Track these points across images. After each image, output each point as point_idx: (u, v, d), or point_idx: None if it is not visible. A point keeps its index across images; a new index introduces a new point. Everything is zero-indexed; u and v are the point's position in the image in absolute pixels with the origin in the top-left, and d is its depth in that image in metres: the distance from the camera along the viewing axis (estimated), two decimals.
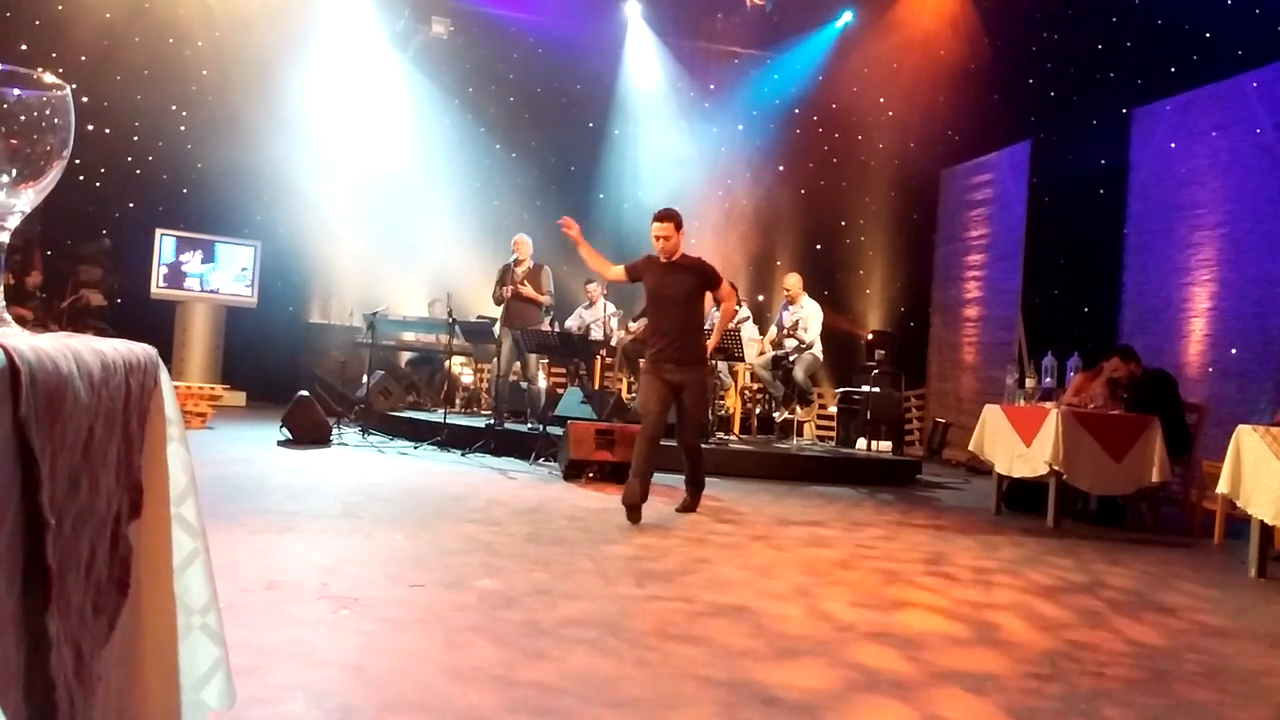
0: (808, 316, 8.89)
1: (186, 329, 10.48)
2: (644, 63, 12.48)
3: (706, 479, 5.60)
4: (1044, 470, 5.90)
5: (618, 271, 5.46)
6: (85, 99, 9.63)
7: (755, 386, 9.63)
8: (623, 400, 8.52)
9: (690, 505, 5.45)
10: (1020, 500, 6.57)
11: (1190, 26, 9.03)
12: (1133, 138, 9.16)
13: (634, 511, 4.95)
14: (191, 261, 10.44)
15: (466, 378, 10.50)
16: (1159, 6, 9.41)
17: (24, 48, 9.86)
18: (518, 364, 8.56)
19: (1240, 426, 4.92)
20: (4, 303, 0.81)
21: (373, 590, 3.11)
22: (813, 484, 7.48)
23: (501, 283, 8.37)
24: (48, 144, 0.79)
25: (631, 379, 9.30)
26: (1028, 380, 6.79)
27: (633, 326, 9.46)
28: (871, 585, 3.84)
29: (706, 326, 5.73)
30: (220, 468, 5.65)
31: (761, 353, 9.24)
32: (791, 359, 8.81)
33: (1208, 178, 8.27)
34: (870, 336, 11.21)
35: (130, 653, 0.92)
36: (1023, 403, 6.55)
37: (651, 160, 12.11)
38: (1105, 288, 9.30)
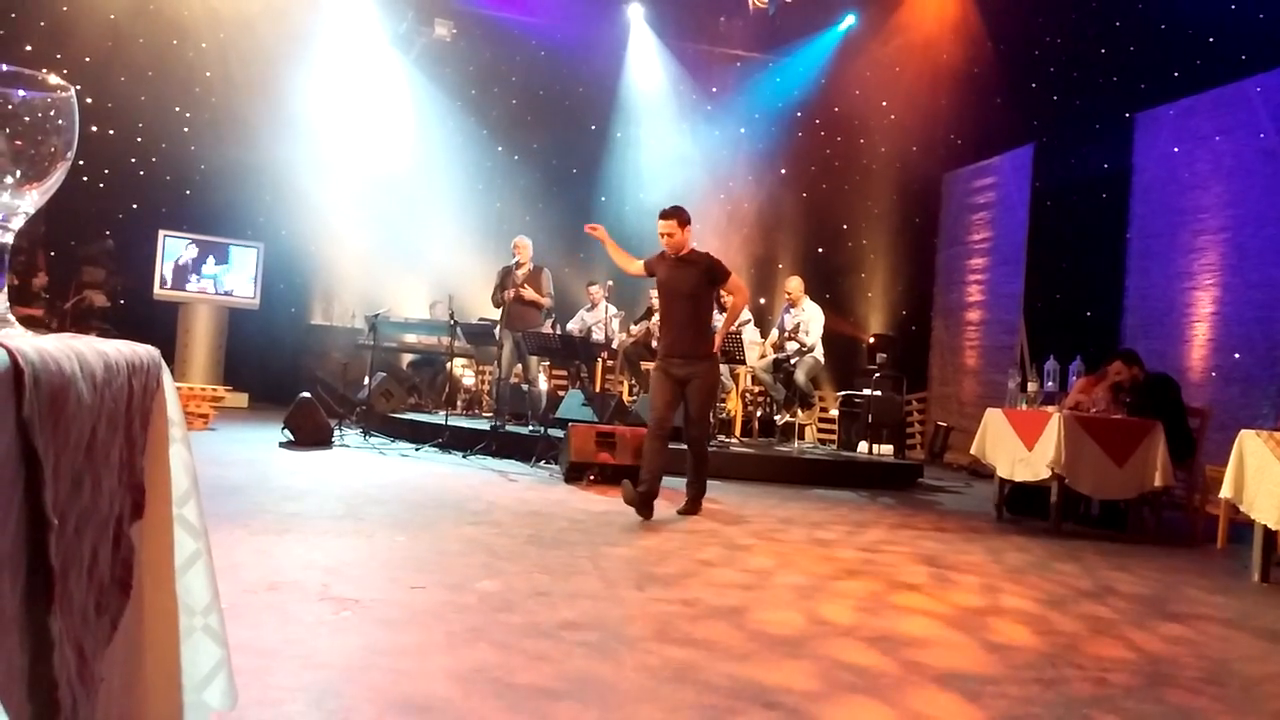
0: (809, 319, 8.88)
1: (189, 330, 10.50)
2: (646, 65, 12.48)
3: (708, 482, 5.62)
4: (1046, 474, 5.89)
5: (638, 267, 5.67)
6: (89, 100, 9.65)
7: (756, 389, 9.61)
8: (624, 403, 8.50)
9: (692, 508, 5.46)
10: (1022, 504, 6.55)
11: (1193, 31, 9.01)
12: (1135, 142, 9.15)
13: (645, 508, 4.97)
14: (206, 263, 10.47)
15: (468, 380, 10.50)
16: (1162, 10, 9.38)
17: (29, 49, 9.87)
18: (519, 366, 8.56)
19: (1243, 431, 4.93)
20: (8, 304, 0.81)
21: (374, 592, 3.11)
22: (814, 487, 7.47)
23: (501, 285, 8.37)
24: (52, 145, 0.79)
25: (633, 381, 9.30)
26: (1030, 384, 6.77)
27: (634, 329, 9.45)
28: (873, 589, 3.83)
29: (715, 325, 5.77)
30: (222, 469, 5.65)
31: (763, 356, 9.22)
32: (793, 362, 8.80)
33: (1211, 182, 8.27)
34: (872, 340, 11.20)
35: (132, 653, 0.93)
36: (1025, 406, 6.55)
37: (653, 162, 12.11)
38: (1108, 292, 9.28)
